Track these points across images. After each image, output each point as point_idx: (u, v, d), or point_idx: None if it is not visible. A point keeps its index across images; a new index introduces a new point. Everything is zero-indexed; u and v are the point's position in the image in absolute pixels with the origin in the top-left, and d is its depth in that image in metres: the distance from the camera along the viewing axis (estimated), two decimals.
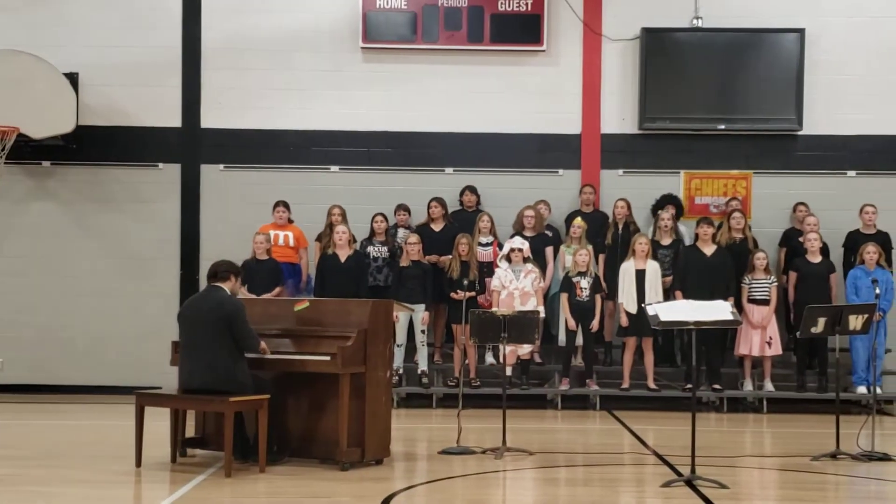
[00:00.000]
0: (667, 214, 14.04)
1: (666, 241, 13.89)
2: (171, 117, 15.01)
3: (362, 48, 14.91)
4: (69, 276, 14.96)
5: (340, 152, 15.03)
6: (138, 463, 8.87)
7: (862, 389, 13.32)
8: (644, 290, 13.19)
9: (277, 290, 13.29)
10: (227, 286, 8.97)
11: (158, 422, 9.23)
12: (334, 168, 15.03)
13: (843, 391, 12.06)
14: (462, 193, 14.58)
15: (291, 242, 13.98)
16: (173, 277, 14.91)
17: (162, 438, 9.22)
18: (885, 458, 9.65)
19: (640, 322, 12.68)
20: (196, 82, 15.01)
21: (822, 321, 9.89)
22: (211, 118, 15.02)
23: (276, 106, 14.97)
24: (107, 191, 15.01)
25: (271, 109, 14.97)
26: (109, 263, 14.99)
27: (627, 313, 13.29)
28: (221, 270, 9.04)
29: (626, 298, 13.32)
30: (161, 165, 15.04)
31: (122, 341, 14.78)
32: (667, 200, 14.52)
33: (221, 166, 15.03)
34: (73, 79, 14.38)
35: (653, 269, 13.31)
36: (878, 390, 12.48)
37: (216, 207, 14.99)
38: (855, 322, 9.92)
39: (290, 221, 14.11)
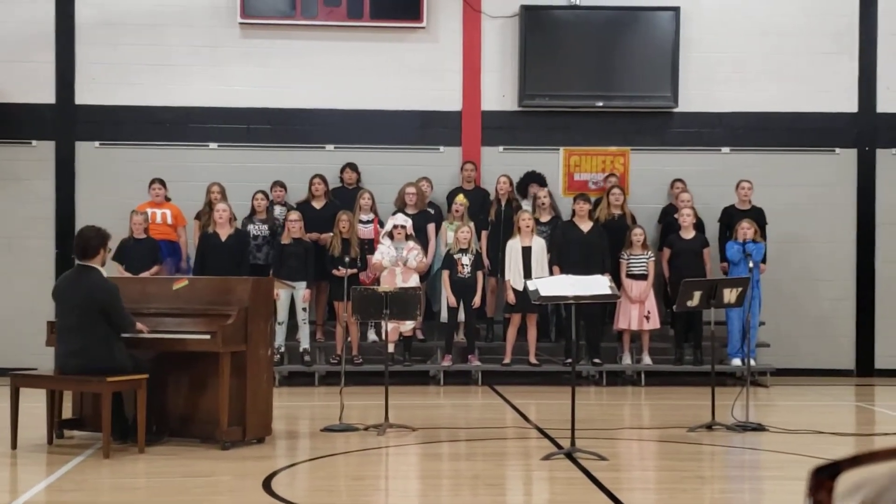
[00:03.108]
0: (544, 192, 14.16)
1: (545, 217, 14.02)
2: (45, 93, 14.61)
3: (240, 23, 14.70)
4: None
5: (219, 129, 14.81)
6: (14, 445, 8.66)
7: (736, 362, 13.63)
8: (531, 266, 13.30)
9: (155, 268, 13.09)
10: (97, 262, 8.72)
11: (34, 403, 9.04)
12: (213, 145, 14.81)
13: (718, 363, 12.32)
14: (343, 171, 14.51)
15: (169, 220, 13.78)
16: (48, 257, 14.56)
17: (38, 420, 9.04)
18: (758, 428, 9.89)
19: (527, 298, 12.75)
20: (70, 57, 14.63)
21: (697, 295, 10.08)
22: (85, 94, 14.66)
23: (153, 82, 14.67)
24: None
25: (148, 86, 14.66)
26: None
27: (514, 290, 13.37)
28: (90, 246, 8.72)
29: (513, 275, 13.39)
30: (34, 142, 14.65)
31: None
32: (531, 178, 14.62)
33: (97, 143, 14.70)
34: None
35: (539, 245, 13.42)
36: (752, 362, 12.79)
37: (92, 185, 14.65)
38: (729, 295, 10.13)
39: (168, 199, 13.90)
